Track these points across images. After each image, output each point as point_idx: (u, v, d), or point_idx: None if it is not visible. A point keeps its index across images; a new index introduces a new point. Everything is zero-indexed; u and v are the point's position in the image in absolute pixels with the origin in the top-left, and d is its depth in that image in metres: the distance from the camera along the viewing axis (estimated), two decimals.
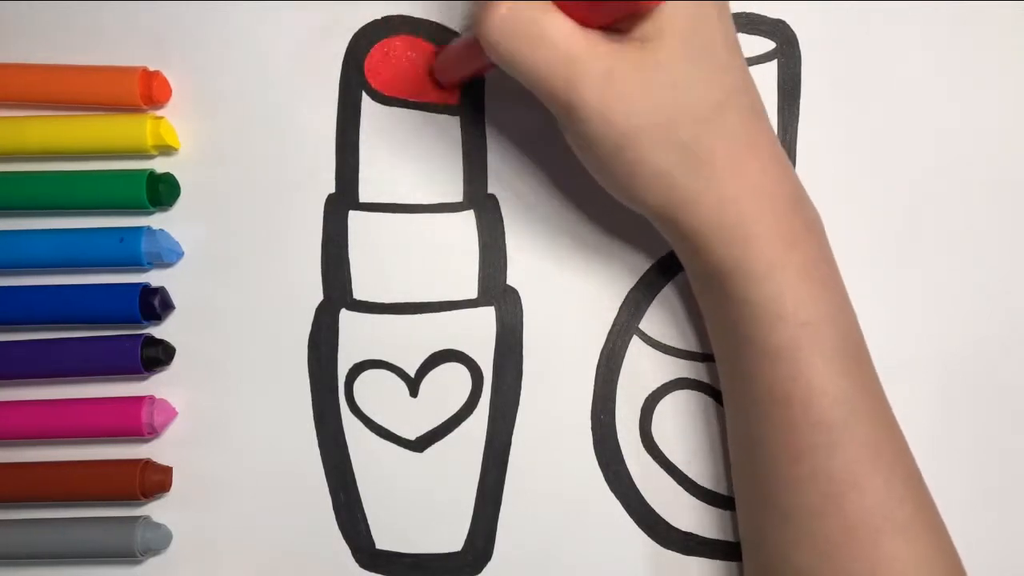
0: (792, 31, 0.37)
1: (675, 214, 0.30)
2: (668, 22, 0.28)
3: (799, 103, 0.37)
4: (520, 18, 0.28)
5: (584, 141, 0.30)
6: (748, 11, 0.37)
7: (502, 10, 0.28)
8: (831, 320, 0.30)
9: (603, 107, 0.28)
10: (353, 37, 0.38)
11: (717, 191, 0.29)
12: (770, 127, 0.31)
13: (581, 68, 0.28)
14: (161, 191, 0.37)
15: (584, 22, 0.28)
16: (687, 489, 0.37)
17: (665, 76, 0.28)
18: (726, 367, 0.33)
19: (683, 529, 0.37)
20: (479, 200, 0.38)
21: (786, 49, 0.37)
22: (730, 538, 0.37)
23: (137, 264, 0.37)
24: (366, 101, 0.38)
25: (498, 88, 0.38)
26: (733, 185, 0.29)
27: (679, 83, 0.28)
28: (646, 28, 0.28)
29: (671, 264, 0.37)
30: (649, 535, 0.37)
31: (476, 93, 0.38)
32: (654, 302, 0.37)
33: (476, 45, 0.31)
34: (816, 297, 0.30)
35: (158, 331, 0.38)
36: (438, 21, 0.38)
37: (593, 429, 0.37)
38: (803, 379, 0.30)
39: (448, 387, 0.37)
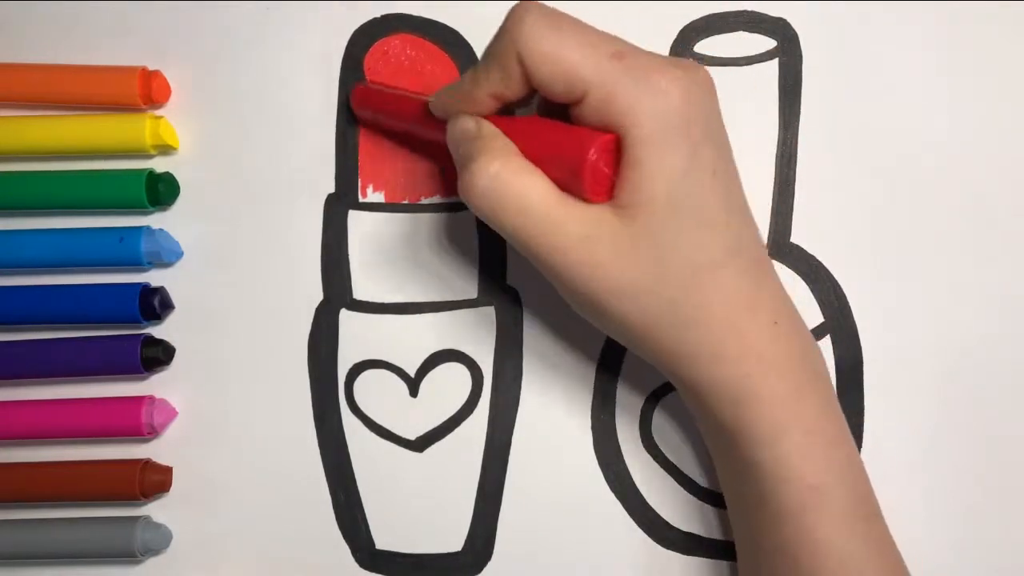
0: (793, 29, 0.37)
1: (670, 365, 0.30)
2: (647, 190, 0.27)
3: (800, 101, 0.37)
4: (504, 188, 0.28)
5: (567, 297, 0.30)
6: (750, 9, 0.37)
7: (485, 179, 0.28)
8: (839, 479, 0.30)
9: (579, 272, 0.28)
10: (352, 36, 0.38)
11: (714, 348, 0.29)
12: (775, 282, 0.31)
13: (560, 235, 0.28)
14: (160, 191, 0.37)
15: (556, 181, 0.28)
16: (687, 489, 0.37)
17: (646, 244, 0.28)
18: (735, 516, 0.33)
19: (683, 529, 0.37)
20: None
21: (787, 47, 0.37)
22: (730, 538, 0.37)
23: (137, 264, 0.37)
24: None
25: None
26: (732, 345, 0.29)
27: (663, 249, 0.28)
28: (623, 198, 0.28)
29: None
30: (649, 535, 0.37)
31: None
32: None
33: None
34: (823, 457, 0.29)
35: (158, 331, 0.38)
36: (437, 20, 0.38)
37: (593, 429, 0.37)
38: (810, 541, 0.29)
39: (448, 387, 0.37)
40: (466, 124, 0.30)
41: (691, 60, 0.29)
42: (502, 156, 0.28)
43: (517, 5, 0.28)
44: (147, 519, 0.37)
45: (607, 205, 0.28)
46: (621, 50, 0.28)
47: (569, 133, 0.29)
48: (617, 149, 0.28)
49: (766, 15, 0.37)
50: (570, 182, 0.28)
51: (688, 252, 0.28)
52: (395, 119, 0.36)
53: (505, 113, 0.31)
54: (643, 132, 0.27)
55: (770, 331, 0.29)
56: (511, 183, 0.28)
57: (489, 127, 0.30)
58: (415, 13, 0.38)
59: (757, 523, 0.31)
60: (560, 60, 0.27)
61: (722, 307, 0.29)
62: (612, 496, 0.37)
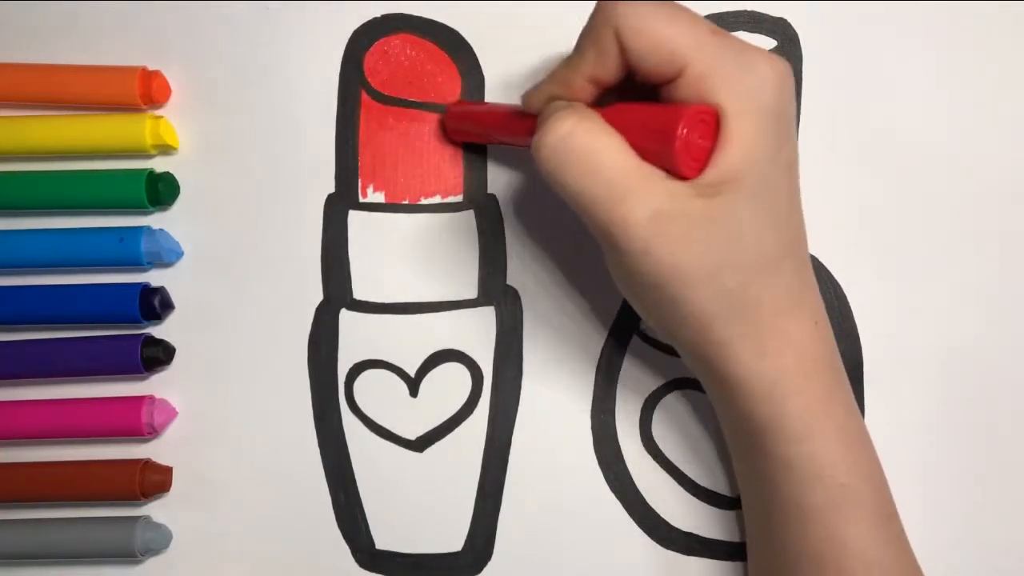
0: (794, 30, 0.37)
1: (710, 356, 0.29)
2: (736, 175, 0.26)
3: (800, 101, 0.37)
4: (576, 145, 0.27)
5: (623, 273, 0.29)
6: (750, 9, 0.37)
7: (558, 135, 0.27)
8: (866, 479, 0.30)
9: (646, 246, 0.27)
10: (352, 35, 0.38)
11: (758, 343, 0.28)
12: (815, 283, 0.30)
13: (630, 204, 0.26)
14: (160, 190, 0.37)
15: (644, 155, 0.27)
16: (687, 489, 0.37)
17: (720, 226, 0.27)
18: (755, 519, 0.33)
19: (683, 529, 0.37)
20: (479, 200, 0.38)
21: (788, 47, 0.37)
22: (730, 538, 0.37)
23: (137, 264, 0.37)
24: (365, 100, 0.38)
25: (497, 82, 0.37)
26: (775, 340, 0.28)
27: (734, 234, 0.27)
28: (711, 174, 0.26)
29: None
30: (649, 535, 0.37)
31: (476, 91, 0.37)
32: None
33: (521, 120, 0.31)
34: (852, 456, 0.29)
35: (158, 331, 0.38)
36: (437, 20, 0.38)
37: (593, 429, 0.37)
38: (837, 541, 0.29)
39: (448, 387, 0.37)
40: (558, 104, 0.29)
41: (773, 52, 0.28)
42: (579, 115, 0.27)
43: None
44: (147, 519, 0.37)
45: (690, 182, 0.27)
46: (718, 29, 0.27)
47: (663, 107, 0.27)
48: (713, 123, 0.27)
49: (766, 15, 0.37)
50: (659, 153, 0.27)
51: (755, 241, 0.27)
52: (490, 128, 0.36)
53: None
54: (744, 109, 0.26)
55: (810, 330, 0.29)
56: (583, 140, 0.27)
57: (578, 103, 0.29)
58: (415, 13, 0.38)
59: (781, 524, 0.30)
60: (658, 32, 0.27)
61: (773, 302, 0.28)
62: (612, 496, 0.37)
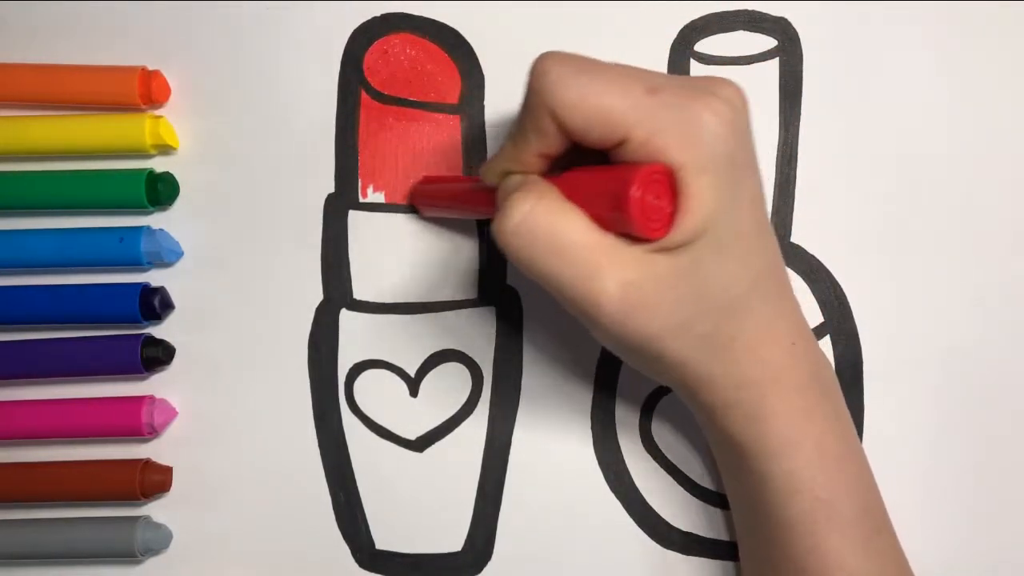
0: (794, 29, 0.37)
1: (691, 391, 0.30)
2: (696, 226, 0.26)
3: (801, 101, 0.37)
4: (537, 227, 0.26)
5: (602, 338, 0.29)
6: (750, 9, 0.37)
7: (517, 218, 0.26)
8: (847, 493, 0.30)
9: (622, 317, 0.27)
10: (352, 35, 0.38)
11: (735, 374, 0.29)
12: (792, 300, 0.30)
13: (600, 281, 0.26)
14: (160, 190, 0.37)
15: (603, 223, 0.27)
16: (687, 489, 0.37)
17: (688, 279, 0.27)
18: (743, 531, 0.33)
19: (683, 529, 0.37)
20: None
21: (788, 47, 0.37)
22: (730, 538, 0.37)
23: (137, 264, 0.37)
24: (365, 99, 0.38)
25: (497, 82, 0.37)
26: (752, 369, 0.29)
27: (702, 283, 0.27)
28: (675, 236, 0.26)
29: None
30: (649, 535, 0.37)
31: (476, 91, 0.37)
32: None
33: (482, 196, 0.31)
34: (831, 471, 0.30)
35: (158, 331, 0.38)
36: (437, 19, 0.38)
37: (593, 429, 0.37)
38: (819, 553, 0.29)
39: (448, 387, 0.37)
40: (514, 179, 0.29)
41: (720, 77, 0.27)
42: (537, 193, 0.27)
43: (538, 59, 0.27)
44: (147, 519, 0.37)
45: (649, 245, 0.26)
46: (654, 85, 0.26)
47: (615, 171, 0.27)
48: (667, 182, 0.26)
49: (767, 14, 0.37)
50: (617, 219, 0.26)
51: (724, 285, 0.27)
52: (454, 204, 0.36)
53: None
54: (696, 164, 0.26)
55: (789, 352, 0.29)
56: (545, 220, 0.26)
57: (533, 176, 0.29)
58: (416, 12, 0.38)
59: (766, 537, 0.31)
60: (593, 106, 0.26)
61: (749, 334, 0.29)
62: (612, 496, 0.37)
